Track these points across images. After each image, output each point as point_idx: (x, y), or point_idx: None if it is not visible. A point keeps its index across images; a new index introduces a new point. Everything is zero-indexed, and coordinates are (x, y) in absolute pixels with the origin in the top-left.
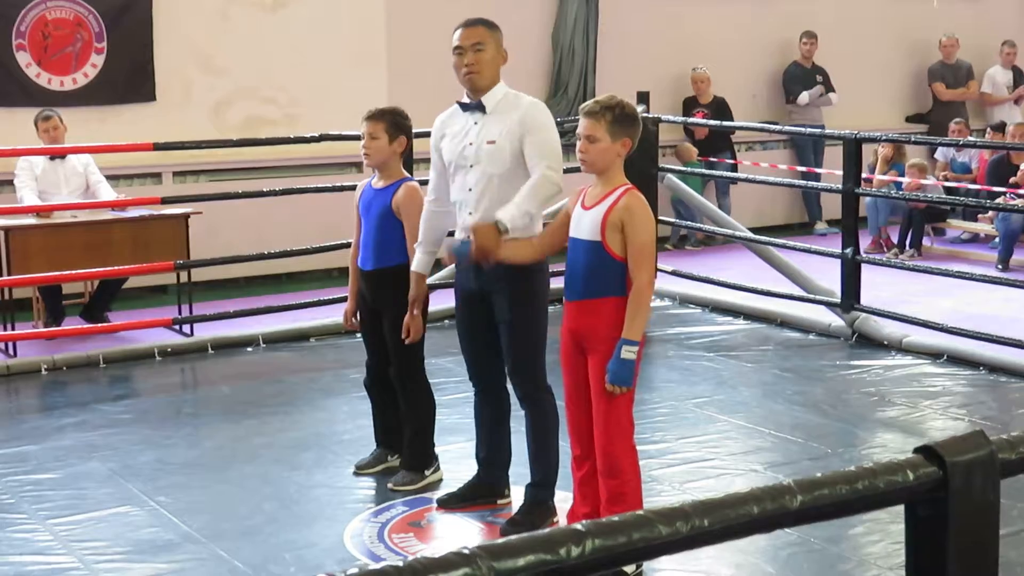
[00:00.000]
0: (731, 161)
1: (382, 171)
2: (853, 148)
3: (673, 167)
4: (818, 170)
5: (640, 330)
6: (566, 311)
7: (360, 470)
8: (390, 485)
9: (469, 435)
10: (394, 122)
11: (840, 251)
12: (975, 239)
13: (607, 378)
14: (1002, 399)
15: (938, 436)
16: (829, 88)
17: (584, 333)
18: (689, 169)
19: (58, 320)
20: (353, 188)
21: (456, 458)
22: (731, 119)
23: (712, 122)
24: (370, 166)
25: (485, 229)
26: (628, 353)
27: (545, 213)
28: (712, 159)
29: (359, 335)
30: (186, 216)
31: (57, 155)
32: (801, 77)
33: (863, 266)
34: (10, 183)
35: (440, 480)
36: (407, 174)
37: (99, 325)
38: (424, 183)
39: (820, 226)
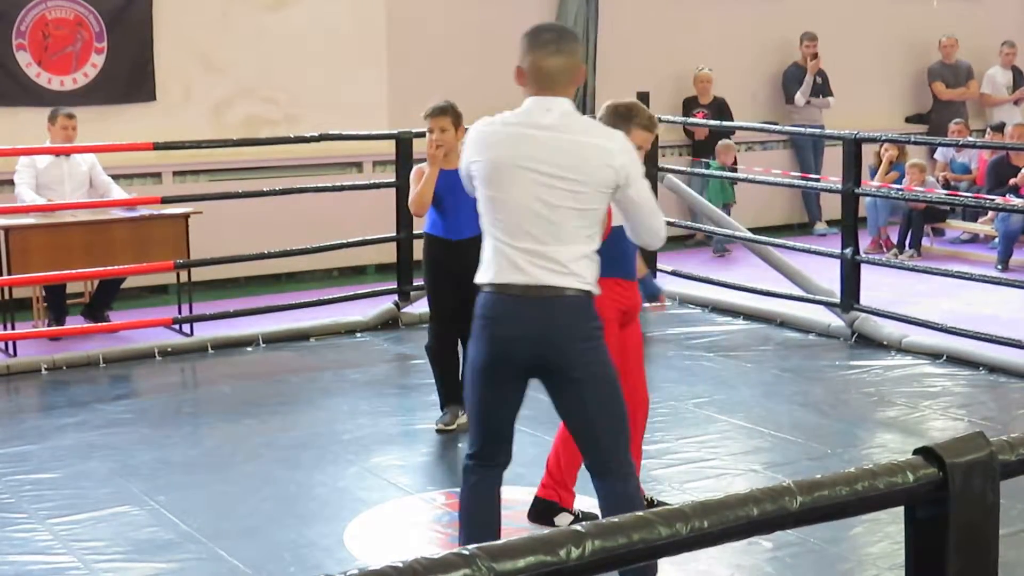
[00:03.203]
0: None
1: (454, 158)
2: (853, 148)
3: (673, 167)
4: (818, 181)
5: None
6: (618, 292)
7: (444, 428)
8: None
9: None
10: (456, 113)
11: (840, 251)
12: (975, 239)
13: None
14: (1002, 399)
15: (938, 437)
16: (827, 91)
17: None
18: (689, 170)
19: (61, 319)
20: (352, 188)
21: None
22: (731, 119)
23: (712, 122)
24: (440, 157)
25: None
26: None
27: None
28: (710, 160)
29: (360, 335)
30: (186, 216)
31: (63, 153)
32: (801, 78)
33: (863, 266)
34: (11, 182)
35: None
36: None
37: (99, 325)
38: None
39: (820, 226)
